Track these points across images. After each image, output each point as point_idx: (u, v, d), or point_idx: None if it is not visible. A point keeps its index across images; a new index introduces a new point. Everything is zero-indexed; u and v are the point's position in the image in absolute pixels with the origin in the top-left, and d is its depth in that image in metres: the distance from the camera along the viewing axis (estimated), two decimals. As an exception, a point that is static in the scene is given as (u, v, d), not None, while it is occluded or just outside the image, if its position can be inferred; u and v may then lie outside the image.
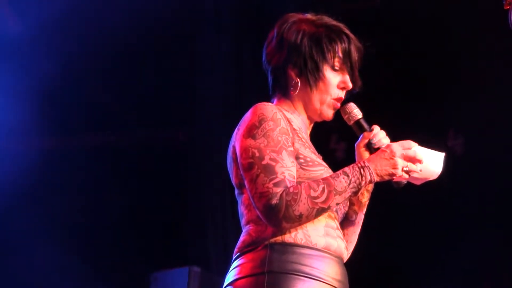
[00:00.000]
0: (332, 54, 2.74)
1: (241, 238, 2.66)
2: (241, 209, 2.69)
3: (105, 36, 5.55)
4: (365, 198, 2.83)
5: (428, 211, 5.58)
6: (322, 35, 2.74)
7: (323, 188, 2.54)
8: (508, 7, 2.60)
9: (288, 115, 2.71)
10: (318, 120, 2.81)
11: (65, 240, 5.88)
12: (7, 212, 5.86)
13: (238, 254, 2.64)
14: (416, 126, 5.16)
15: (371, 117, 2.82)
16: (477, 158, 5.63)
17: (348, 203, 2.80)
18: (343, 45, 2.75)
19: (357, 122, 2.76)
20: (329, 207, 2.56)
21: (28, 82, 5.64)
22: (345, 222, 2.82)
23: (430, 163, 2.70)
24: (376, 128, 2.74)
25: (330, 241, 2.62)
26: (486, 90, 5.40)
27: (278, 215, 2.51)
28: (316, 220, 2.59)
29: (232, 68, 5.81)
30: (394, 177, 2.64)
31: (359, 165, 2.60)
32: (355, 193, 2.59)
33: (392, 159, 2.61)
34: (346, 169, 2.59)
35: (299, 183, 2.57)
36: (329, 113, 2.78)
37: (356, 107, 2.77)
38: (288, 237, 2.57)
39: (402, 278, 5.78)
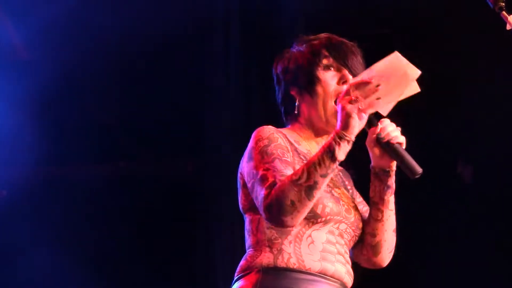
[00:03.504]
0: (316, 54, 2.74)
1: (240, 262, 2.71)
2: (245, 233, 2.75)
3: (108, 59, 5.57)
4: (386, 194, 2.75)
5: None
6: (304, 48, 2.78)
7: (302, 169, 2.53)
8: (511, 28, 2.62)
9: (296, 137, 2.75)
10: (328, 128, 2.75)
11: (74, 269, 5.85)
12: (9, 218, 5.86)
13: (236, 278, 2.69)
14: (424, 154, 5.15)
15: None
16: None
17: (360, 220, 2.77)
18: (325, 43, 2.76)
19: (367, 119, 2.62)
20: (315, 183, 2.52)
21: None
22: (373, 222, 2.78)
23: (386, 72, 2.50)
24: (385, 121, 2.67)
25: (327, 265, 2.63)
26: (495, 115, 5.41)
27: (274, 212, 2.52)
28: (311, 245, 2.61)
29: (241, 97, 5.82)
30: (356, 112, 2.53)
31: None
32: (332, 155, 2.52)
33: (339, 104, 2.57)
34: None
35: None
36: (334, 121, 2.68)
37: None
38: (281, 262, 2.60)
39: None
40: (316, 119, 2.76)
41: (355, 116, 2.53)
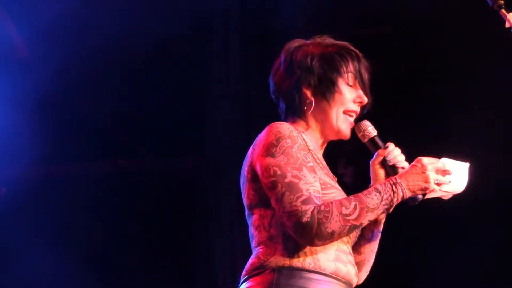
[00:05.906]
0: (345, 69, 2.76)
1: (250, 260, 2.66)
2: (251, 230, 2.70)
3: (108, 59, 5.56)
4: (381, 215, 2.76)
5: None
6: (332, 53, 2.77)
7: (355, 206, 2.53)
8: (514, 33, 2.62)
9: (302, 135, 2.70)
10: (335, 138, 2.81)
11: (73, 266, 5.85)
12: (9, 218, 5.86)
13: (246, 277, 2.65)
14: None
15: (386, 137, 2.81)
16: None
17: None
18: (354, 61, 2.78)
19: (372, 139, 2.76)
20: (361, 224, 2.55)
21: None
22: (361, 240, 2.80)
23: (458, 174, 2.68)
24: (391, 145, 2.73)
25: (340, 266, 2.62)
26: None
27: (310, 233, 2.51)
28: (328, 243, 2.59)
29: (241, 94, 5.83)
30: (427, 192, 2.62)
31: (391, 181, 2.59)
32: (387, 210, 2.58)
33: (424, 173, 2.60)
34: (378, 186, 2.59)
35: (328, 200, 2.57)
36: (347, 132, 2.77)
37: (371, 125, 2.77)
38: (296, 262, 2.58)
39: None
40: (328, 126, 2.77)
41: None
